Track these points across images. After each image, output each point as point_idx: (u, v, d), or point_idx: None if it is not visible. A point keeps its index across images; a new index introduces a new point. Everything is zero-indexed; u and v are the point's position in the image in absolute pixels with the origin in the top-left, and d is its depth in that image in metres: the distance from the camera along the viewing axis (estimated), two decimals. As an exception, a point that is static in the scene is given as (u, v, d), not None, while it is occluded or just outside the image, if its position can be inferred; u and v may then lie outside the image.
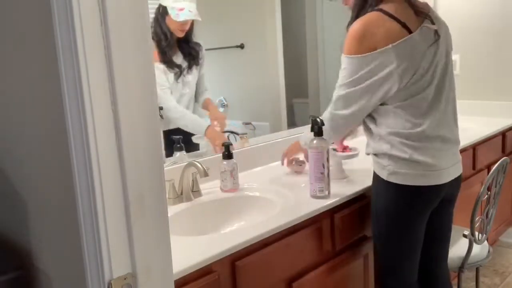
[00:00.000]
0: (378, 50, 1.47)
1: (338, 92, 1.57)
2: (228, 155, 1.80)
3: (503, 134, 2.87)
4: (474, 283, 2.14)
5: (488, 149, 2.72)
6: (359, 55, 1.49)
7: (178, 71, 1.96)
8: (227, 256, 1.31)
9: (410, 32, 1.48)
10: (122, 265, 0.83)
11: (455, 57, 3.16)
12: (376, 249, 1.71)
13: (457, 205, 2.45)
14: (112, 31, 0.77)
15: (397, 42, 1.46)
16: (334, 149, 1.97)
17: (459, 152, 1.66)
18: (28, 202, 1.03)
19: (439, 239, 1.75)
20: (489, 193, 1.97)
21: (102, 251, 0.80)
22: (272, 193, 1.76)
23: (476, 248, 1.94)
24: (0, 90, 1.05)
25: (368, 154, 1.65)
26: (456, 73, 3.17)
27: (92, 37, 0.75)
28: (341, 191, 1.71)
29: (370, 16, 1.51)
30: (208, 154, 1.98)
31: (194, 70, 2.03)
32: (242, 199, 1.76)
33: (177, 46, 1.96)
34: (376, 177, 1.62)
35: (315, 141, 1.62)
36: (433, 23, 1.53)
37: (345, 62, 1.55)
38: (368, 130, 1.62)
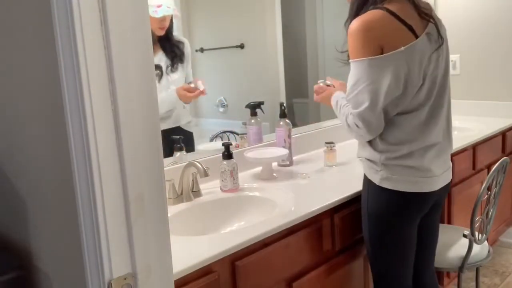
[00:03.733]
0: (390, 53, 1.38)
1: (353, 104, 1.45)
2: (228, 155, 1.80)
3: (503, 134, 2.87)
4: (474, 283, 2.14)
5: (488, 149, 2.72)
6: (367, 58, 1.39)
7: (159, 72, 1.92)
8: (227, 256, 1.31)
9: (416, 36, 1.41)
10: (122, 265, 0.83)
11: (455, 57, 3.17)
12: (368, 254, 1.68)
13: (457, 205, 2.46)
14: (112, 31, 0.77)
15: (407, 45, 1.38)
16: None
17: (450, 159, 1.64)
18: (28, 202, 1.03)
19: (426, 244, 1.73)
20: (489, 193, 1.97)
21: (102, 251, 0.80)
22: (272, 193, 1.76)
23: (476, 248, 1.94)
24: (0, 90, 1.05)
25: (359, 158, 1.62)
26: (456, 73, 3.20)
27: (92, 37, 0.75)
28: (341, 191, 1.71)
29: (373, 14, 1.41)
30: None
31: (180, 68, 1.99)
32: (242, 199, 1.76)
33: (159, 45, 1.94)
34: (367, 181, 1.58)
35: (281, 122, 2.07)
36: (437, 26, 1.47)
37: (354, 67, 1.44)
38: None
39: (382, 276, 1.66)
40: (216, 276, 1.28)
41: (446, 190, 1.66)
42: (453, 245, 2.01)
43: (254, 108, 2.06)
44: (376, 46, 1.39)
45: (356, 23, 1.42)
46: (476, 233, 1.92)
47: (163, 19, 1.87)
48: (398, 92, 1.41)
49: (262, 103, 2.10)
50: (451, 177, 1.65)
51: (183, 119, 2.06)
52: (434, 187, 1.54)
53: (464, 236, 1.90)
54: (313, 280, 1.59)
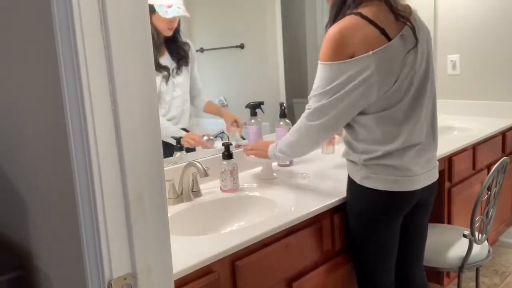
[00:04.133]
0: (358, 57, 1.41)
1: (313, 102, 1.50)
2: (228, 155, 1.80)
3: (503, 134, 2.87)
4: (474, 283, 2.14)
5: (488, 149, 2.72)
6: (337, 62, 1.42)
7: (167, 74, 1.90)
8: (227, 256, 1.31)
9: (389, 39, 1.42)
10: (122, 265, 0.83)
11: (455, 57, 3.17)
12: (352, 252, 1.71)
13: (457, 205, 2.46)
14: (112, 31, 0.77)
15: (377, 49, 1.40)
16: None
17: (435, 158, 1.64)
18: (28, 202, 1.03)
19: (413, 244, 1.74)
20: (489, 193, 1.97)
21: (102, 251, 0.80)
22: (272, 193, 1.76)
23: (476, 248, 1.94)
24: (0, 90, 1.05)
25: (343, 157, 1.64)
26: (456, 73, 3.20)
27: (92, 37, 0.75)
28: (341, 191, 1.71)
29: (348, 20, 1.44)
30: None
31: (184, 71, 1.97)
32: (242, 199, 1.76)
33: (165, 47, 1.91)
34: (350, 180, 1.61)
35: (281, 122, 2.11)
36: (413, 29, 1.47)
37: (322, 69, 1.47)
38: (344, 136, 1.61)
39: (364, 273, 1.69)
40: (216, 276, 1.28)
41: (432, 189, 1.66)
42: (453, 245, 2.01)
43: (254, 108, 2.06)
44: (347, 53, 1.42)
45: (333, 30, 1.46)
46: (476, 233, 1.92)
47: (173, 20, 1.85)
48: (361, 93, 1.43)
49: (262, 103, 2.10)
50: (436, 177, 1.66)
51: (189, 121, 2.07)
52: (415, 186, 1.55)
53: (464, 236, 1.90)
54: (313, 280, 1.59)
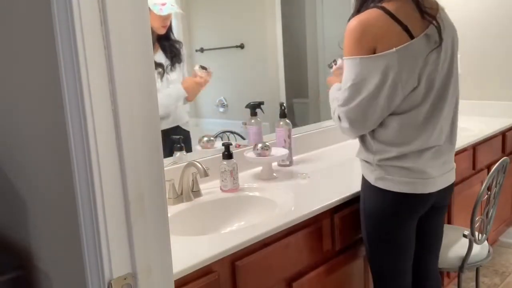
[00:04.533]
0: (381, 53, 1.38)
1: (341, 99, 1.48)
2: (228, 155, 1.80)
3: (503, 134, 2.87)
4: (474, 283, 2.14)
5: (488, 149, 2.72)
6: (359, 57, 1.40)
7: (161, 70, 1.93)
8: (227, 256, 1.31)
9: (411, 36, 1.39)
10: (122, 265, 0.83)
11: (455, 57, 3.17)
12: (366, 253, 1.68)
13: (457, 205, 2.46)
14: (112, 31, 0.77)
15: (400, 46, 1.37)
16: None
17: (452, 160, 1.61)
18: (28, 202, 1.03)
19: (428, 246, 1.72)
20: (489, 193, 1.97)
21: (102, 251, 0.80)
22: (272, 193, 1.76)
23: (476, 248, 1.94)
24: (0, 90, 1.05)
25: (357, 156, 1.62)
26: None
27: (92, 37, 0.75)
28: (341, 191, 1.71)
29: (369, 13, 1.41)
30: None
31: (178, 68, 1.99)
32: (242, 199, 1.76)
33: (158, 44, 1.93)
34: (364, 180, 1.59)
35: (281, 122, 2.09)
36: (439, 28, 1.43)
37: (347, 64, 1.45)
38: (360, 136, 1.57)
39: (379, 275, 1.67)
40: (216, 276, 1.28)
41: (448, 192, 1.63)
42: (453, 245, 2.01)
43: (254, 108, 2.06)
44: (369, 47, 1.40)
45: (353, 22, 1.43)
46: (476, 233, 1.92)
47: (167, 17, 1.88)
48: (387, 92, 1.41)
49: (262, 103, 2.10)
50: (453, 179, 1.62)
51: (183, 118, 2.06)
52: (431, 189, 1.52)
53: (464, 236, 1.90)
54: (313, 280, 1.59)
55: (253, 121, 2.08)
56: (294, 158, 2.21)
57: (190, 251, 1.30)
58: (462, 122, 2.91)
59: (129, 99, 0.80)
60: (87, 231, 0.81)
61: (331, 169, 2.10)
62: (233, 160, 1.79)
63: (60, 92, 0.79)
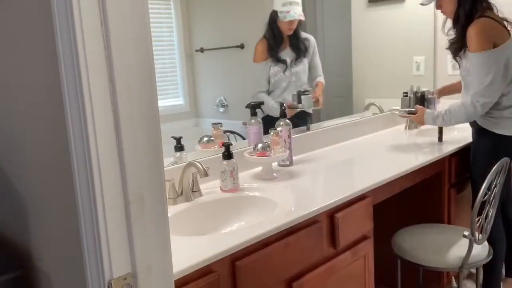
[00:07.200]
0: (503, 45, 2.06)
1: (479, 84, 2.09)
2: (228, 155, 1.80)
3: (503, 134, 2.86)
4: (474, 283, 2.14)
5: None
6: (491, 51, 2.06)
7: (284, 66, 2.39)
8: (227, 256, 1.31)
9: (509, 34, 2.12)
10: (122, 265, 0.83)
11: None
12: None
13: (457, 205, 2.46)
14: (112, 31, 0.77)
15: (508, 41, 2.08)
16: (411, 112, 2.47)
17: None
18: (28, 202, 1.03)
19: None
20: (489, 193, 1.97)
21: (102, 251, 0.80)
22: (272, 193, 1.76)
23: (476, 248, 1.94)
24: (0, 90, 1.05)
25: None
26: (457, 72, 3.18)
27: (92, 37, 0.76)
28: (341, 191, 1.71)
29: (486, 20, 2.11)
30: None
31: (304, 61, 2.47)
32: (242, 199, 1.76)
33: (288, 43, 2.40)
34: (481, 129, 2.22)
35: (281, 122, 2.08)
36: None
37: (480, 57, 2.08)
38: None
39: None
40: (216, 276, 1.28)
41: None
42: (453, 245, 2.01)
43: (254, 108, 2.07)
44: (491, 43, 2.08)
45: (476, 26, 2.10)
46: (476, 233, 1.92)
47: (290, 22, 2.33)
48: (507, 75, 2.10)
49: (262, 103, 2.11)
50: None
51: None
52: None
53: (464, 236, 1.90)
54: (313, 280, 1.59)
55: (253, 121, 2.08)
56: (294, 158, 2.21)
57: (190, 251, 1.30)
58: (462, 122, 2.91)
59: (129, 99, 0.80)
60: (87, 231, 0.81)
61: (331, 169, 2.10)
62: (233, 160, 1.79)
63: (60, 92, 0.79)
